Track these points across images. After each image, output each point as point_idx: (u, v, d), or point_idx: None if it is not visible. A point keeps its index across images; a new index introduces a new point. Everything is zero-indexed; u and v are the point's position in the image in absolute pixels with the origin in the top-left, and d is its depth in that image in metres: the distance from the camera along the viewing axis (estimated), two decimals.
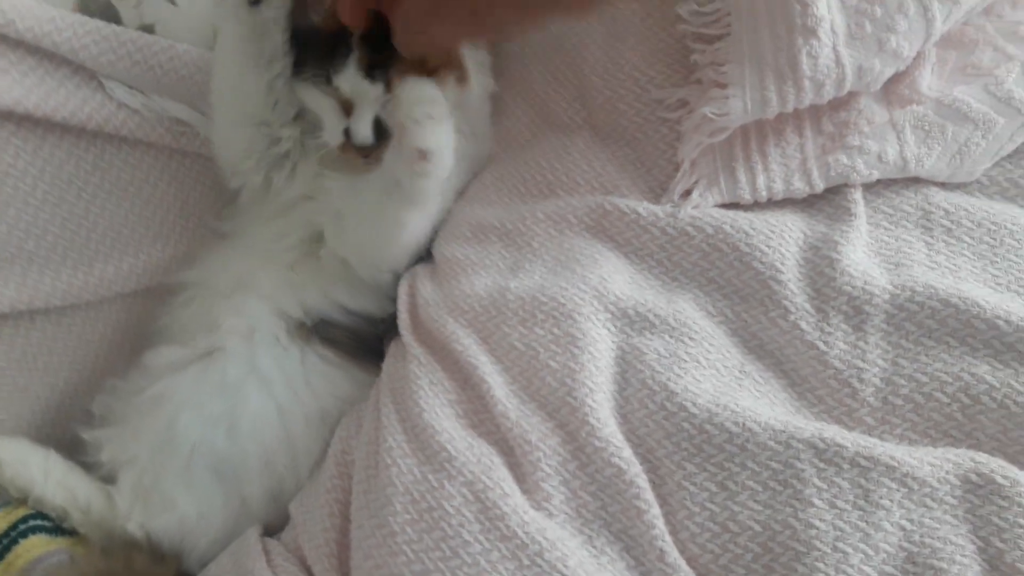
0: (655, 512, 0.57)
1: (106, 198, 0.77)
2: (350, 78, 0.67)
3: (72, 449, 0.76)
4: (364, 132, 0.68)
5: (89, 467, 0.75)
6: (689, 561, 0.56)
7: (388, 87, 0.67)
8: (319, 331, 0.76)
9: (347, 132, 0.69)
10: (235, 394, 0.72)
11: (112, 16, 0.73)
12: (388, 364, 0.72)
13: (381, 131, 0.68)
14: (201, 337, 0.74)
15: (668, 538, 0.57)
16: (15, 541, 0.70)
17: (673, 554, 0.56)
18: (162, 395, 0.73)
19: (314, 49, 0.70)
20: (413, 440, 0.63)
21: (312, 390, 0.74)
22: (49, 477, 0.73)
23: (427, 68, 0.65)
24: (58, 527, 0.73)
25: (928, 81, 0.69)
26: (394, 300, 0.76)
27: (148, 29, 0.75)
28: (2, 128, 0.69)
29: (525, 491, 0.60)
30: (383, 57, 0.66)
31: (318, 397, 0.74)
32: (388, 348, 0.74)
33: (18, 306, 0.73)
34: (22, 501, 0.73)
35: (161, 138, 0.77)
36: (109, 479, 0.74)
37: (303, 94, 0.72)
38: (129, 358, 0.79)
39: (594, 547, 0.57)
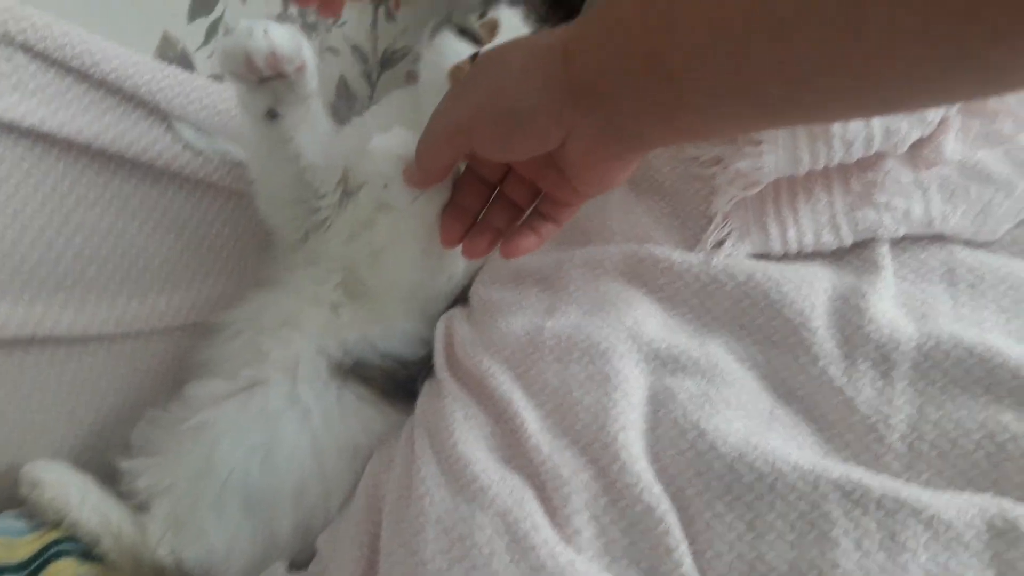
0: (683, 550, 0.57)
1: (165, 233, 0.81)
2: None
3: (108, 477, 0.77)
4: None
5: (123, 496, 0.76)
6: None
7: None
8: (356, 370, 0.77)
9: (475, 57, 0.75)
10: (274, 424, 0.73)
11: (187, 64, 0.79)
12: (422, 401, 0.74)
13: None
14: (245, 370, 0.76)
15: None
16: (46, 563, 0.70)
17: None
18: (203, 425, 0.74)
19: None
20: (446, 470, 0.64)
21: (346, 425, 0.75)
22: (85, 501, 0.74)
23: None
24: (88, 552, 0.73)
25: (952, 146, 0.71)
26: (428, 344, 0.78)
27: (218, 78, 0.80)
28: (80, 161, 0.74)
29: (555, 524, 0.59)
30: None
31: (352, 432, 0.75)
32: (422, 388, 0.76)
33: (75, 330, 0.76)
34: (56, 524, 0.73)
35: (221, 179, 0.82)
36: (142, 508, 0.74)
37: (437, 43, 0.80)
38: (171, 390, 0.80)
39: None
